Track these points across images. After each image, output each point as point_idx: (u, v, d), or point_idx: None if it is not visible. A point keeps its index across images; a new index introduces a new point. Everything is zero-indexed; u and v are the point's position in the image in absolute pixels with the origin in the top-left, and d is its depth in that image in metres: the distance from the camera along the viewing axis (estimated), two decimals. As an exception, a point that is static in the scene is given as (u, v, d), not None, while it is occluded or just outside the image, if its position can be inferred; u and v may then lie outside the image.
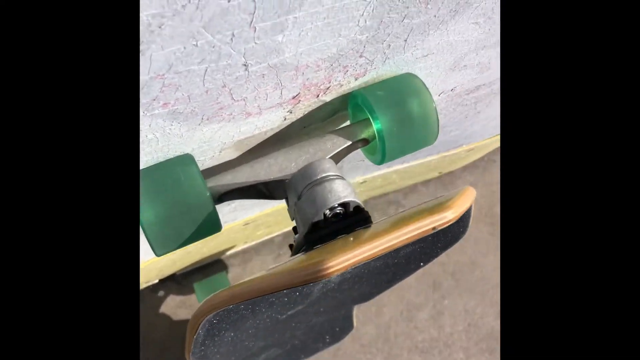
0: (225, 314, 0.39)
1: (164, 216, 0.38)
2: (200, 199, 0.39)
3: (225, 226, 0.82)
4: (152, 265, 0.82)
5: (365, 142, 0.45)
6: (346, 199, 0.37)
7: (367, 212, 0.38)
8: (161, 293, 0.96)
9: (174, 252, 0.86)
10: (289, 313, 0.55)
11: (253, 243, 1.00)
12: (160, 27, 0.26)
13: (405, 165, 0.90)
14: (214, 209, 0.40)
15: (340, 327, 0.82)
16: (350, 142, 0.44)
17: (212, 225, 0.41)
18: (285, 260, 0.36)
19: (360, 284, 0.56)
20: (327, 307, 0.64)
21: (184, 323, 0.95)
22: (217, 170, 0.46)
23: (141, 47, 0.27)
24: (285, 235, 1.03)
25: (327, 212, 0.37)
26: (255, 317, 0.48)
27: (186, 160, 0.40)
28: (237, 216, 0.78)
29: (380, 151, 0.45)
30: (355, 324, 0.80)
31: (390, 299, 1.02)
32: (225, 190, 0.42)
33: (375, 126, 0.44)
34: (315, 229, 0.37)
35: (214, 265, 0.99)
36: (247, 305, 0.41)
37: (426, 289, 1.05)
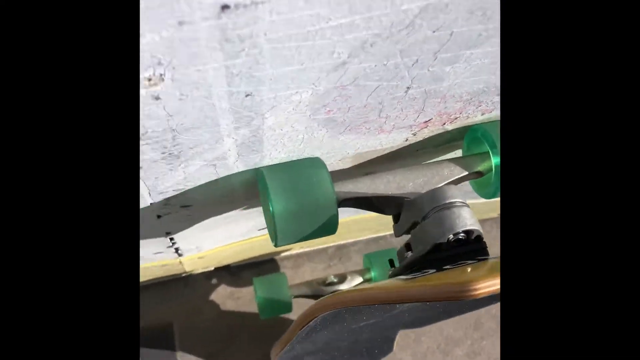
0: (337, 313, 0.41)
1: (293, 211, 0.41)
2: (328, 202, 0.42)
3: (294, 228, 0.85)
4: (218, 254, 0.85)
5: (479, 174, 0.47)
6: (472, 227, 0.39)
7: (485, 243, 0.40)
8: (214, 281, 0.99)
9: (241, 244, 0.88)
10: (360, 325, 0.57)
11: (308, 249, 1.03)
12: (371, 45, 0.28)
13: (473, 201, 0.91)
14: (337, 213, 0.42)
15: (380, 349, 0.83)
16: (467, 173, 0.46)
17: (331, 227, 0.43)
18: (409, 276, 0.38)
19: (430, 309, 0.57)
20: (380, 326, 0.66)
21: (229, 314, 0.98)
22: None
23: (346, 59, 0.29)
24: (337, 247, 1.05)
25: (451, 236, 0.39)
26: (348, 321, 0.49)
27: (318, 163, 0.43)
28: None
29: (494, 186, 0.46)
30: (394, 348, 0.81)
31: (431, 330, 1.03)
32: (345, 197, 0.44)
33: (494, 161, 0.46)
34: (436, 250, 0.39)
35: (266, 264, 1.01)
36: (353, 309, 0.43)
37: (467, 327, 1.05)
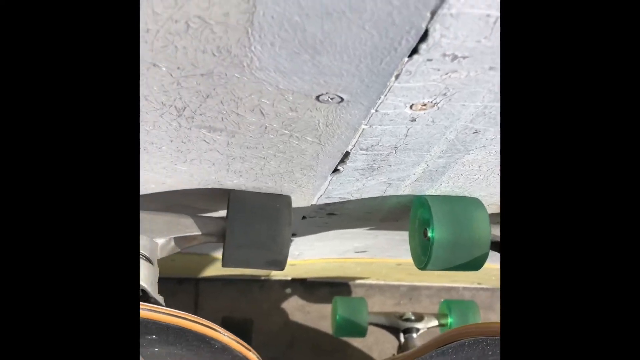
0: (463, 344, 0.44)
1: (450, 242, 0.45)
2: (483, 241, 0.45)
3: (386, 259, 0.89)
4: (308, 265, 0.89)
5: None
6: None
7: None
8: (288, 290, 1.03)
9: (334, 261, 0.92)
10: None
11: (382, 282, 1.05)
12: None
13: None
14: (488, 252, 0.46)
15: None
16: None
17: (478, 264, 0.47)
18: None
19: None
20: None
21: (296, 325, 1.01)
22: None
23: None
24: (410, 287, 1.07)
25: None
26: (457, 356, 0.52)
27: (480, 204, 0.47)
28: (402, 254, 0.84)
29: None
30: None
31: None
32: (493, 240, 0.48)
33: None
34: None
35: (341, 286, 1.05)
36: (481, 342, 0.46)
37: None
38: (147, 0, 0.23)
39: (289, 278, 1.03)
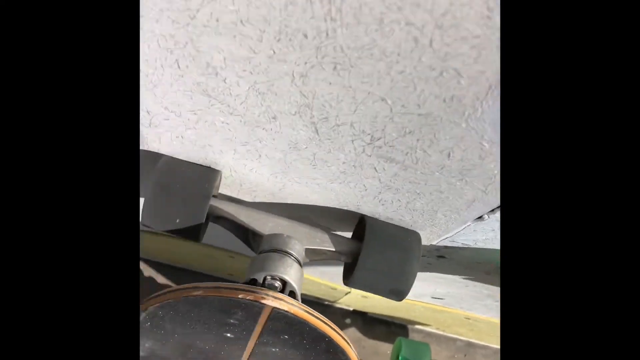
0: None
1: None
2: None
3: (458, 310, 0.89)
4: (378, 302, 0.91)
5: None
6: None
7: None
8: (348, 321, 1.04)
9: (406, 302, 0.93)
10: None
11: (441, 332, 1.05)
12: None
13: None
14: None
15: None
16: None
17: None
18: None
19: None
20: None
21: (349, 357, 1.02)
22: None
23: None
24: (467, 343, 1.07)
25: None
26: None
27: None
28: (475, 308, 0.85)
29: None
30: None
31: None
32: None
33: None
34: None
35: (399, 327, 1.05)
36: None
37: None
38: (421, 49, 0.26)
39: (351, 309, 1.05)
